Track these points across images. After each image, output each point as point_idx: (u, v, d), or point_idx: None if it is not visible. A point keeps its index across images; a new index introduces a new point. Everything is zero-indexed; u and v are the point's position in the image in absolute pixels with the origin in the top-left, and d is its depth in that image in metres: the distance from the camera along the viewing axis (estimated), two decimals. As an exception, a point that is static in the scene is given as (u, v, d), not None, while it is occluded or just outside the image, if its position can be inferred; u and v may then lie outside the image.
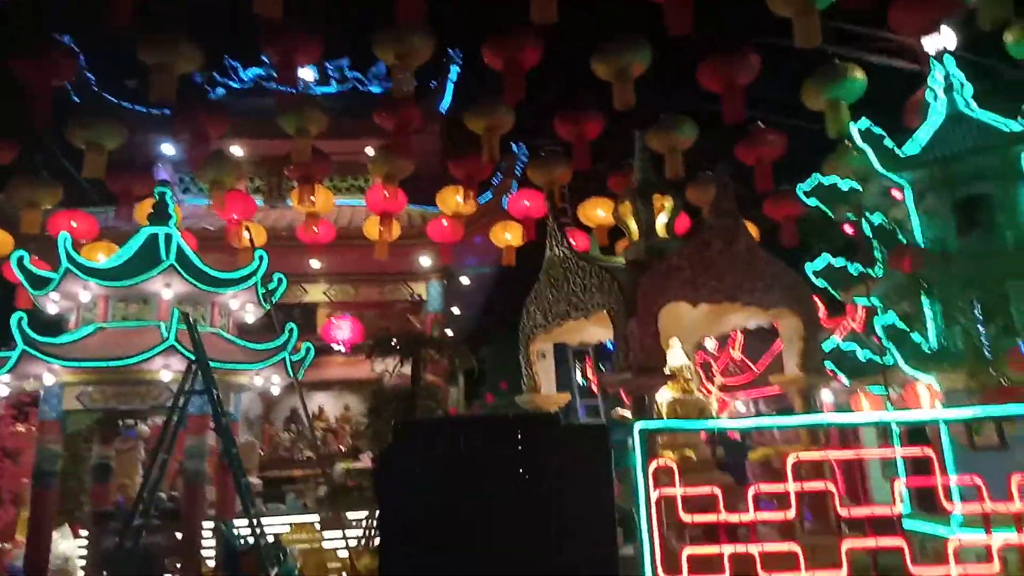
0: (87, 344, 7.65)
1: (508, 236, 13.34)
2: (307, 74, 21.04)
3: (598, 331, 6.33)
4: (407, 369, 20.61)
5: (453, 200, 12.18)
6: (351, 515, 12.76)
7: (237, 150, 16.35)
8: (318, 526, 11.45)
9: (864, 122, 8.11)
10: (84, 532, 9.68)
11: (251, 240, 10.40)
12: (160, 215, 8.80)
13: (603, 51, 7.84)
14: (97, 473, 9.03)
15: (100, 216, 12.41)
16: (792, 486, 3.76)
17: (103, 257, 10.58)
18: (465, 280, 17.25)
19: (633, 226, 6.21)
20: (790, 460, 3.83)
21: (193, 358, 6.79)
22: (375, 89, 21.38)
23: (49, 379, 7.46)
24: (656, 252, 5.76)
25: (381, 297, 16.32)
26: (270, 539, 8.40)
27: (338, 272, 15.27)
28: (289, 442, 18.20)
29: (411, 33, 7.45)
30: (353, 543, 8.45)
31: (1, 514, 10.44)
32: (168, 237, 8.55)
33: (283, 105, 9.31)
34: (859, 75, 7.84)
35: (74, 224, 11.50)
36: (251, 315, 9.28)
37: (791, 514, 3.81)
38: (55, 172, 11.16)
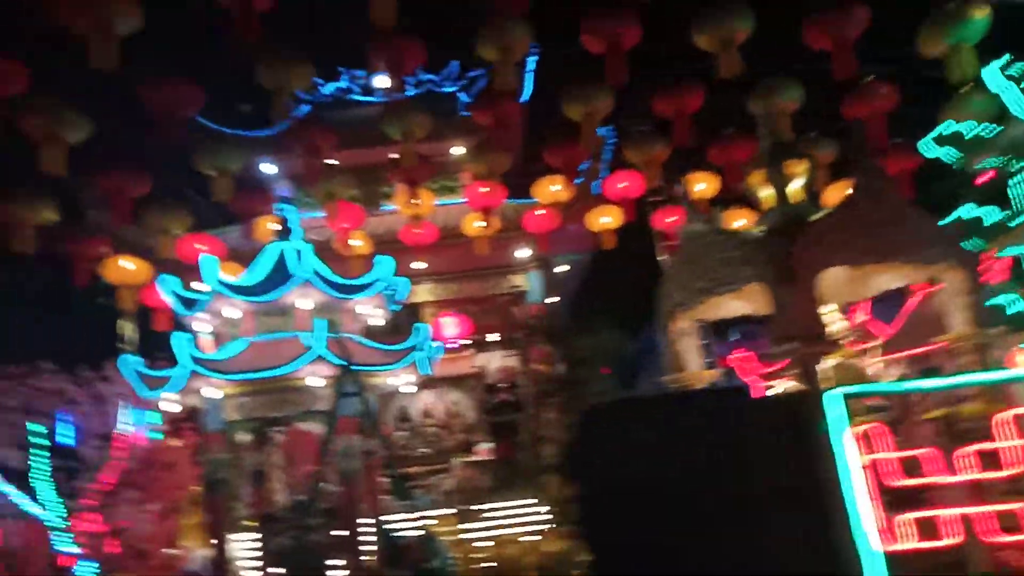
0: (242, 358, 8.16)
1: (604, 220, 13.31)
2: (383, 81, 21.48)
3: (738, 305, 6.27)
4: (510, 361, 20.92)
5: (548, 189, 12.25)
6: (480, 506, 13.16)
7: (332, 162, 16.94)
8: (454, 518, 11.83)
9: (1001, 60, 7.65)
10: (241, 535, 10.37)
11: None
12: (286, 231, 9.26)
13: (704, 20, 7.72)
14: (255, 478, 9.62)
15: (220, 237, 13.19)
16: (1012, 443, 3.64)
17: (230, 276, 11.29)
18: (560, 268, 17.31)
19: (766, 194, 6.10)
20: (1002, 418, 3.71)
21: (342, 364, 7.15)
22: (449, 90, 21.61)
23: (213, 393, 8.01)
24: (796, 218, 5.66)
25: (483, 292, 16.60)
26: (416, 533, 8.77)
27: (440, 271, 15.61)
28: (404, 440, 18.68)
29: (513, 26, 7.56)
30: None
31: (166, 523, 11.23)
32: (299, 251, 9.00)
33: (389, 112, 9.62)
34: (982, 13, 7.42)
35: (201, 246, 12.31)
36: (378, 318, 9.66)
37: (1012, 472, 3.70)
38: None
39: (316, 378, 8.02)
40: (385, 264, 8.97)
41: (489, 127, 9.31)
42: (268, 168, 13.82)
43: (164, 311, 13.41)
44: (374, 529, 8.44)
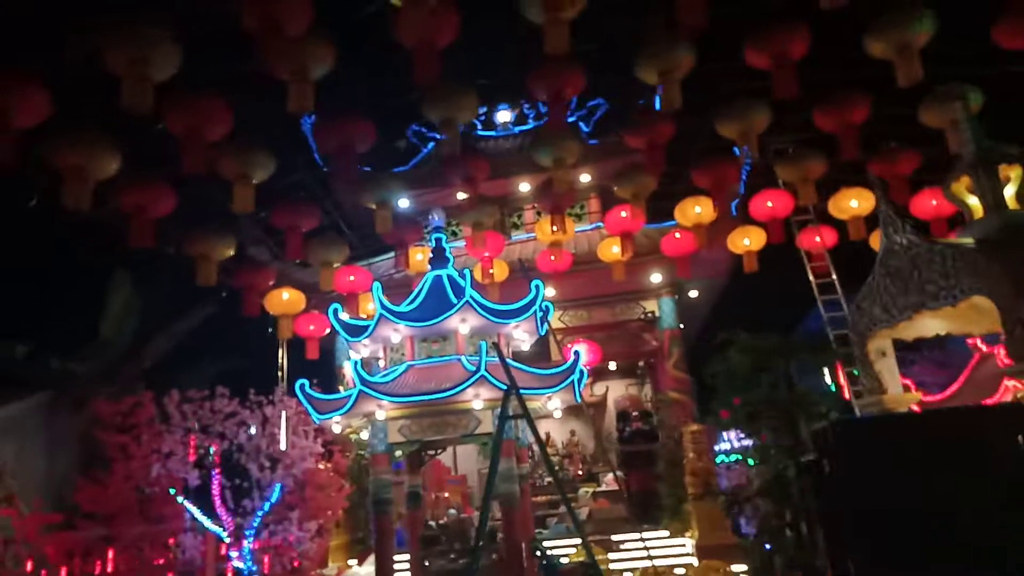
0: (405, 381, 8.40)
1: (747, 242, 12.89)
2: (505, 115, 22.02)
3: (935, 323, 5.81)
4: (634, 389, 20.46)
5: (692, 211, 12.00)
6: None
7: (460, 195, 17.43)
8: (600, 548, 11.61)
9: None
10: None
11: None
12: (439, 258, 9.52)
13: (881, 26, 7.36)
14: (410, 501, 9.81)
15: (367, 268, 13.82)
16: None
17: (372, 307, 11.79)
18: (693, 293, 16.88)
19: (973, 202, 5.67)
20: None
21: (505, 387, 7.18)
22: (569, 120, 21.84)
23: (380, 415, 8.26)
24: (1015, 227, 5.19)
25: (613, 318, 16.42)
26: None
27: (571, 298, 15.59)
28: (527, 469, 18.45)
29: (677, 47, 7.49)
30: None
31: (319, 543, 11.66)
32: (451, 278, 9.23)
33: (538, 139, 9.78)
34: None
35: (352, 278, 12.91)
36: (525, 343, 9.71)
37: None
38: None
39: (479, 401, 8.12)
40: (539, 289, 9.02)
41: (642, 150, 9.27)
42: (419, 200, 14.45)
43: (314, 340, 14.19)
44: (531, 552, 8.38)
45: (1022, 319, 4.45)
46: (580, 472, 18.87)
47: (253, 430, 10.30)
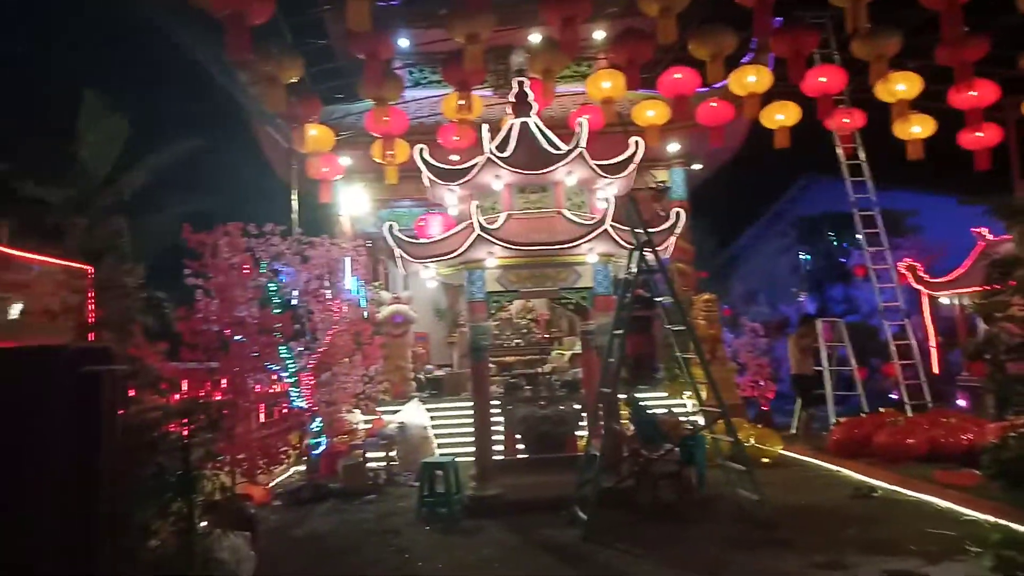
0: (509, 230, 8.17)
1: (780, 117, 12.95)
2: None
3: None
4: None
5: (746, 80, 11.83)
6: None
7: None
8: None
9: None
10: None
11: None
12: (523, 105, 9.05)
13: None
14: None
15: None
16: None
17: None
18: (697, 166, 17.00)
19: None
20: None
21: (632, 246, 7.17)
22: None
23: (491, 262, 8.06)
24: None
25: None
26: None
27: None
28: (497, 330, 18.76)
29: None
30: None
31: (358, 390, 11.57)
32: (538, 126, 8.82)
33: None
34: None
35: (386, 119, 12.04)
36: (603, 202, 9.60)
37: None
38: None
39: (593, 255, 8.07)
40: (639, 145, 8.81)
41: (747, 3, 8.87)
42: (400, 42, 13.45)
43: (327, 183, 13.42)
44: (627, 402, 8.77)
45: None
46: (547, 335, 19.37)
47: (305, 271, 9.82)
